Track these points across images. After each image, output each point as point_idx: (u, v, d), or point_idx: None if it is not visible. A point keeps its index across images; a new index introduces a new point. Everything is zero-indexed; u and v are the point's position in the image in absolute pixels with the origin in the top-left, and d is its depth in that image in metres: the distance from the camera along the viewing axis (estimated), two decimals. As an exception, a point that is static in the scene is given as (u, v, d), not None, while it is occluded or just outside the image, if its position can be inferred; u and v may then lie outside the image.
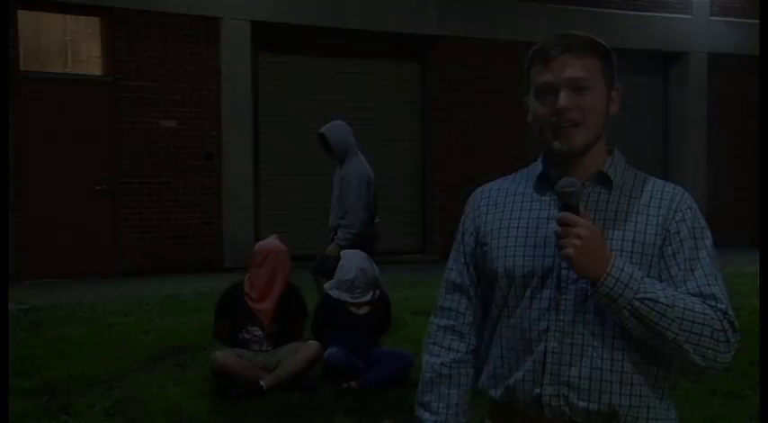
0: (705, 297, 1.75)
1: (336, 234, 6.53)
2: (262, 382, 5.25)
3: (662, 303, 1.71)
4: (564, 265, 1.78)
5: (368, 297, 5.77)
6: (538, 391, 1.83)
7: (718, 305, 1.74)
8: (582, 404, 1.80)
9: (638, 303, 1.70)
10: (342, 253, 6.02)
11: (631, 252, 1.79)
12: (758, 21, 13.40)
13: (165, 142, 10.43)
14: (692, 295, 1.75)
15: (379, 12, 11.67)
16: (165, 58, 10.43)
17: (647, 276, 1.77)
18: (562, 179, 1.79)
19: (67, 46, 10.61)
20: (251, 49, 10.94)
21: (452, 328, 2.01)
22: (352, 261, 5.83)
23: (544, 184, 1.90)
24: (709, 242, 1.82)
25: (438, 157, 12.28)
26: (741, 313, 7.39)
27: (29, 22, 10.03)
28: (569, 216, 1.73)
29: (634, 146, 13.21)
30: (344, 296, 5.74)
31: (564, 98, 1.80)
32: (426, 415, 2.01)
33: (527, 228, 1.88)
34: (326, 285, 5.89)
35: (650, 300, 1.70)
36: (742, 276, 9.73)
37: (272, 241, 5.93)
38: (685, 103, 14.05)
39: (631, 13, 13.46)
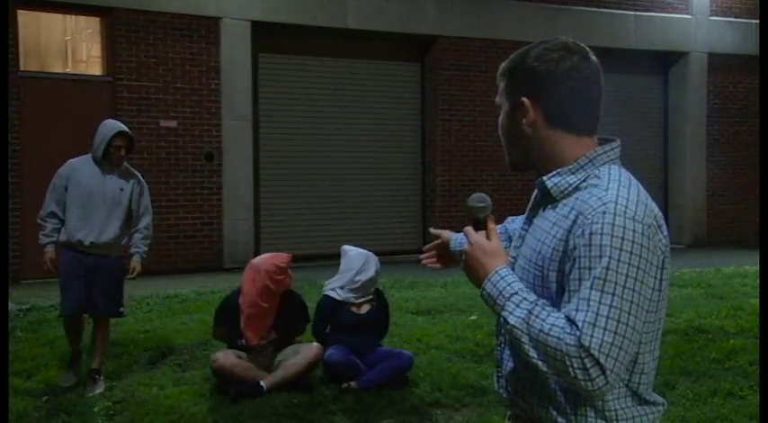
0: (571, 322, 1.67)
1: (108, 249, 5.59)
2: (262, 383, 5.25)
3: (510, 324, 1.73)
4: None
5: (369, 296, 5.76)
6: (495, 385, 2.01)
7: (576, 332, 1.64)
8: (520, 404, 1.89)
9: (501, 320, 1.77)
10: (347, 250, 5.92)
11: (534, 263, 1.82)
12: (758, 21, 13.41)
13: (165, 142, 10.43)
14: (567, 318, 1.68)
15: (379, 12, 11.68)
16: (165, 58, 10.43)
17: (544, 292, 1.76)
18: (474, 195, 1.93)
19: (67, 46, 10.61)
20: (251, 49, 10.94)
21: None
22: (366, 262, 5.76)
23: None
24: (604, 262, 1.66)
25: (438, 157, 12.28)
26: (741, 313, 7.41)
27: (29, 22, 10.03)
28: (465, 230, 1.87)
29: (634, 146, 13.23)
30: (350, 297, 5.71)
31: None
32: None
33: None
34: (325, 289, 5.85)
35: (504, 318, 1.75)
36: (742, 276, 9.73)
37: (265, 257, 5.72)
38: (685, 103, 14.05)
39: (631, 13, 13.46)
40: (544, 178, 1.84)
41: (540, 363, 1.69)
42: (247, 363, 5.36)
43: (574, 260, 1.70)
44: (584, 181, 1.80)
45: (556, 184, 1.82)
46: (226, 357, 5.31)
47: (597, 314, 1.64)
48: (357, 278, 5.70)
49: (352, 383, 5.33)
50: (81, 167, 5.58)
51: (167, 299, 8.38)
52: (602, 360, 1.63)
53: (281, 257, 5.60)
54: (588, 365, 1.63)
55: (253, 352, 5.46)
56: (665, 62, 14.18)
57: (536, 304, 1.73)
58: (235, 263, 10.54)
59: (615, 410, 1.79)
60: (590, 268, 1.67)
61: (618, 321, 1.65)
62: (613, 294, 1.65)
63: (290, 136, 11.49)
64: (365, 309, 5.72)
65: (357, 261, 5.75)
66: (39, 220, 5.58)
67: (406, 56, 12.34)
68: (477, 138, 12.41)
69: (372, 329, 5.72)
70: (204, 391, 5.40)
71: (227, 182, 10.83)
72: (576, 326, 1.65)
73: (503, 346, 1.95)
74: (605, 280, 1.66)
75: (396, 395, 5.27)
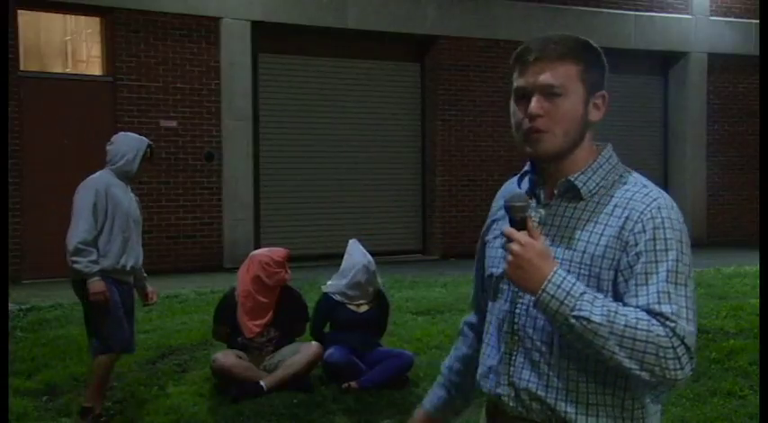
0: (654, 315, 1.70)
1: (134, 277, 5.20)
2: (262, 383, 5.25)
3: (595, 322, 1.68)
4: None
5: (367, 299, 5.76)
6: (499, 390, 1.91)
7: (668, 323, 1.70)
8: (535, 406, 1.85)
9: (573, 321, 1.70)
10: (352, 251, 5.91)
11: (580, 263, 1.80)
12: (758, 21, 13.40)
13: (165, 142, 10.42)
14: (643, 311, 1.71)
15: (379, 12, 11.67)
16: (165, 58, 10.42)
17: (596, 291, 1.76)
18: (512, 194, 1.83)
19: (67, 46, 10.61)
20: (251, 49, 10.94)
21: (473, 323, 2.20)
22: (356, 270, 5.76)
23: (530, 186, 1.94)
24: (673, 255, 1.75)
25: (438, 157, 12.27)
26: (741, 313, 7.41)
27: (29, 22, 10.03)
28: (507, 231, 1.77)
29: (634, 146, 13.22)
30: (345, 299, 5.72)
31: (535, 103, 1.82)
32: (444, 363, 2.27)
33: None
34: (325, 287, 5.86)
35: (584, 318, 1.69)
36: (742, 276, 9.72)
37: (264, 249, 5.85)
38: (685, 103, 14.05)
39: (631, 13, 13.46)
40: (571, 178, 1.85)
41: (625, 359, 1.68)
42: (247, 363, 5.36)
43: (637, 255, 1.75)
44: (605, 179, 1.86)
45: (585, 184, 1.85)
46: (226, 357, 5.32)
47: (679, 306, 1.72)
48: (347, 286, 5.70)
49: (353, 383, 5.34)
50: (114, 185, 4.98)
51: (167, 299, 8.36)
52: (692, 348, 1.71)
53: (279, 252, 5.63)
54: (680, 354, 1.69)
55: (252, 350, 5.46)
56: (665, 62, 14.18)
57: (608, 300, 1.73)
58: (235, 263, 10.51)
59: (642, 408, 1.84)
60: (657, 262, 1.74)
61: (693, 311, 1.74)
62: (685, 285, 1.74)
63: (290, 136, 11.49)
64: (364, 308, 5.73)
65: (351, 266, 5.76)
66: (80, 246, 4.81)
67: (406, 56, 12.34)
68: (477, 138, 12.40)
69: (371, 328, 5.73)
70: (204, 391, 5.40)
71: (227, 182, 10.83)
72: (666, 317, 1.70)
73: (514, 353, 1.87)
74: (677, 272, 1.74)
75: (396, 395, 5.28)
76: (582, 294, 1.71)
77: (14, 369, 5.62)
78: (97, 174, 5.05)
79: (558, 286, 1.71)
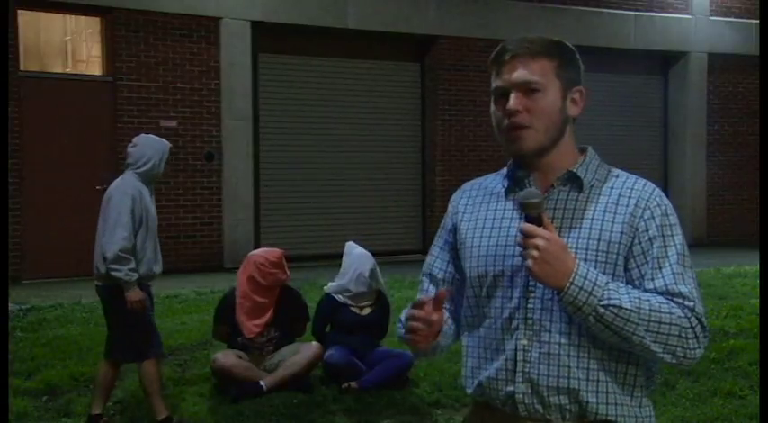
0: (673, 295, 1.78)
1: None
2: (262, 383, 5.25)
3: (626, 309, 1.73)
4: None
5: (370, 300, 5.75)
6: (511, 388, 1.87)
7: (686, 303, 1.78)
8: (553, 401, 1.83)
9: (602, 310, 1.73)
10: (350, 249, 5.92)
11: (596, 250, 1.81)
12: (758, 21, 13.40)
13: (165, 142, 10.43)
14: (660, 293, 1.78)
15: (379, 12, 11.68)
16: (165, 58, 10.43)
17: (612, 277, 1.79)
18: (524, 190, 1.83)
19: (67, 46, 10.61)
20: (251, 49, 10.94)
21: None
22: (357, 269, 5.76)
23: (513, 183, 1.96)
24: (679, 239, 1.83)
25: (438, 157, 12.28)
26: (741, 313, 7.41)
27: (29, 22, 10.04)
28: (528, 227, 1.75)
29: (634, 146, 13.23)
30: (348, 301, 5.72)
31: (513, 100, 1.84)
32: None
33: (499, 228, 1.93)
34: (327, 288, 5.86)
35: (614, 306, 1.73)
36: (742, 276, 9.73)
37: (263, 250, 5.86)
38: (685, 103, 14.05)
39: (631, 13, 13.46)
40: (573, 169, 1.89)
41: (652, 343, 1.75)
42: (247, 363, 5.37)
43: (651, 240, 1.82)
44: (597, 173, 1.91)
45: (585, 175, 1.89)
46: (226, 357, 5.32)
47: (691, 287, 1.81)
48: (357, 290, 5.69)
49: (353, 383, 5.33)
50: (144, 190, 4.84)
51: (167, 299, 8.37)
52: (707, 326, 1.82)
53: (274, 252, 5.64)
54: (698, 333, 1.79)
55: (252, 350, 5.47)
56: (665, 62, 14.18)
57: (629, 287, 1.79)
58: (235, 263, 10.50)
59: (647, 397, 1.89)
60: (667, 246, 1.82)
61: (700, 291, 1.84)
62: (691, 268, 1.84)
63: (290, 136, 11.49)
64: (366, 310, 5.72)
65: (351, 262, 5.76)
66: (120, 253, 4.65)
67: (406, 56, 12.34)
68: (477, 138, 12.40)
69: (373, 330, 5.72)
70: (204, 391, 5.41)
71: (227, 182, 10.83)
72: (684, 297, 1.78)
73: (528, 348, 1.85)
74: (684, 255, 1.83)
75: (396, 395, 5.28)
76: (606, 284, 1.75)
77: (14, 369, 5.63)
78: (122, 179, 4.90)
79: (585, 277, 1.74)
